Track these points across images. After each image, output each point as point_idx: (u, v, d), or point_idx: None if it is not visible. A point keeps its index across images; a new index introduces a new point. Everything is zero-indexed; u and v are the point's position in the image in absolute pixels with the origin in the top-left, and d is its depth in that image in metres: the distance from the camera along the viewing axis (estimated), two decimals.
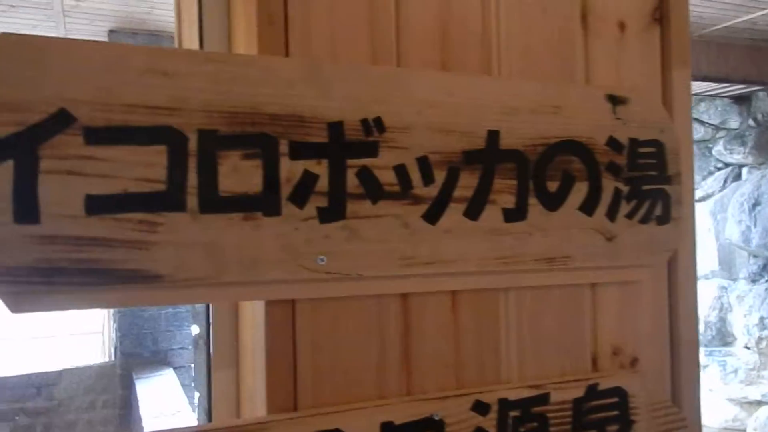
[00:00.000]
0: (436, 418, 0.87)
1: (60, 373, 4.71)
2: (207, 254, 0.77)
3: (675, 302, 1.06)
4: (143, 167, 0.75)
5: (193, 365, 4.49)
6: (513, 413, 0.91)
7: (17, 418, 4.55)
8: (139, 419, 3.70)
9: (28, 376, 4.66)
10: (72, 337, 4.88)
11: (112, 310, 4.67)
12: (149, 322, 4.55)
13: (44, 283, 0.72)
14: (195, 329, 1.41)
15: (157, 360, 4.56)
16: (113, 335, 4.69)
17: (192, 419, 3.50)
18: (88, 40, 0.76)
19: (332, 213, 0.82)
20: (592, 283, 1.00)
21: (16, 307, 0.72)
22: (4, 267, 0.70)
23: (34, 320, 4.91)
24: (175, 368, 4.51)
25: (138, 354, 4.53)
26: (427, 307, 0.91)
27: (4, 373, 4.65)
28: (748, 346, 5.14)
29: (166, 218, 0.75)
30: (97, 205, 0.73)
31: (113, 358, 4.76)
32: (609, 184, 0.97)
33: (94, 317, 4.85)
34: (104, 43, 0.75)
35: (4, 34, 0.70)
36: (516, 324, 0.96)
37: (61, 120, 0.72)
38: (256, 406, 0.87)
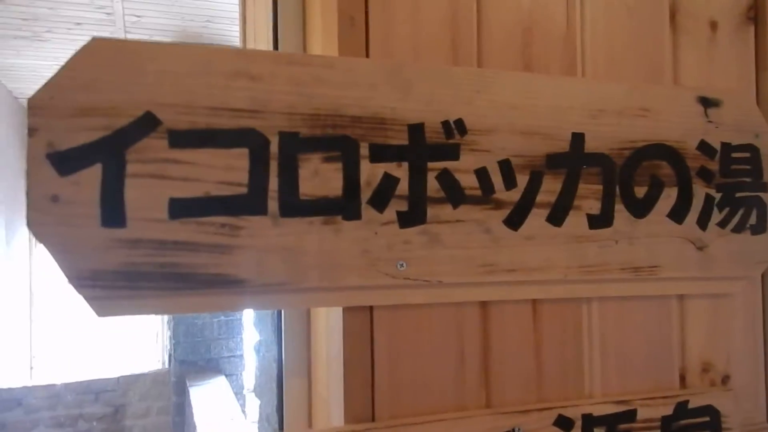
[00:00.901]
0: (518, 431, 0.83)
1: (117, 380, 4.83)
2: (287, 259, 0.76)
3: None
4: (225, 170, 0.74)
5: (245, 372, 4.53)
6: (597, 430, 0.86)
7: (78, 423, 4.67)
8: (194, 426, 3.74)
9: (87, 382, 4.78)
10: (127, 345, 5.00)
11: (166, 318, 4.76)
12: (202, 330, 4.62)
13: (129, 287, 0.71)
14: (255, 336, 1.41)
15: (210, 367, 4.62)
16: (167, 343, 4.78)
17: (247, 426, 3.52)
18: (176, 44, 0.76)
19: (412, 217, 0.80)
20: (680, 295, 0.95)
21: (101, 311, 0.72)
22: (91, 271, 0.70)
23: (91, 327, 5.05)
24: (226, 375, 4.56)
25: (191, 361, 4.60)
26: (508, 316, 0.87)
27: (64, 380, 4.79)
28: None
29: (247, 222, 0.75)
30: (180, 209, 0.73)
31: (167, 366, 4.85)
32: (700, 191, 0.92)
33: (149, 324, 4.96)
34: (192, 46, 0.76)
35: (97, 38, 0.71)
36: (600, 336, 0.91)
37: (148, 123, 0.72)
38: (331, 415, 0.86)
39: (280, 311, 1.02)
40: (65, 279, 0.71)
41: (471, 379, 0.85)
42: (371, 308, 0.82)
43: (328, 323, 0.88)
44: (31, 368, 5.37)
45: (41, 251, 5.02)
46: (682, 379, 0.95)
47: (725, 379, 0.96)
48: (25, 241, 4.90)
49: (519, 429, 0.83)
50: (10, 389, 4.63)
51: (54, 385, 4.77)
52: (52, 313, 5.08)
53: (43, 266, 5.01)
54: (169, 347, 4.77)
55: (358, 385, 0.81)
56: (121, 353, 4.96)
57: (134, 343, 4.97)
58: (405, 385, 0.82)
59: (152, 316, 4.92)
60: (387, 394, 0.82)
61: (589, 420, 0.86)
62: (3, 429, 4.57)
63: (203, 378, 4.48)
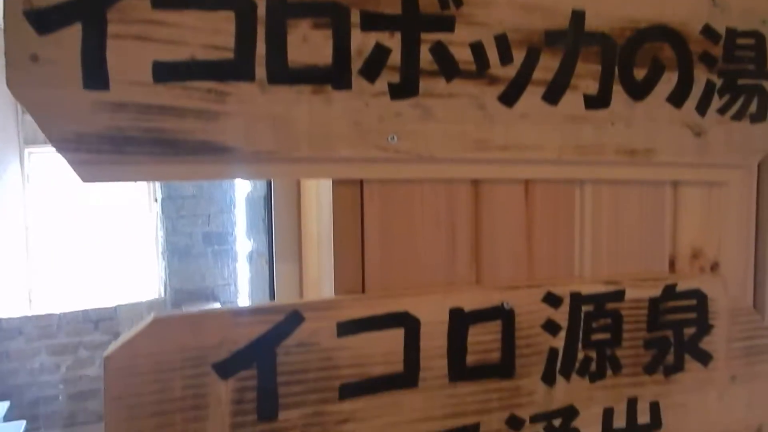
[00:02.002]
0: (507, 307, 0.83)
1: (115, 309, 4.89)
2: (276, 127, 0.74)
3: (763, 207, 0.99)
4: (211, 34, 0.72)
5: (239, 299, 4.59)
6: (586, 308, 0.87)
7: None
8: None
9: (86, 311, 4.84)
10: (122, 275, 5.04)
11: (161, 247, 4.79)
12: (197, 259, 4.65)
13: (114, 151, 0.70)
14: (249, 245, 1.41)
15: (205, 296, 4.67)
16: (162, 273, 4.83)
17: None
18: None
19: (404, 89, 0.78)
20: (675, 182, 0.94)
21: (86, 176, 0.70)
22: (75, 134, 0.68)
23: (87, 259, 5.08)
24: (221, 303, 4.62)
25: (186, 290, 4.66)
26: (500, 196, 0.87)
27: (63, 310, 4.84)
28: None
29: (234, 88, 0.73)
30: (164, 72, 0.70)
31: (163, 295, 4.91)
32: (701, 76, 0.90)
33: (144, 254, 4.99)
34: None
35: None
36: (591, 220, 0.91)
37: None
38: (322, 290, 0.86)
39: (270, 202, 1.01)
40: (49, 141, 0.70)
41: (461, 257, 0.85)
42: (361, 183, 0.81)
43: (319, 200, 0.87)
44: (30, 301, 5.43)
45: (35, 185, 5.00)
46: (672, 265, 0.95)
47: (714, 266, 0.97)
48: (17, 176, 4.87)
49: (507, 304, 0.83)
50: (9, 319, 4.69)
51: (53, 315, 4.84)
52: (48, 246, 5.10)
53: (36, 200, 4.99)
54: (164, 277, 4.82)
55: (349, 260, 0.81)
56: (117, 283, 5.01)
57: (129, 273, 5.02)
58: (395, 261, 0.82)
59: (147, 244, 4.95)
60: (377, 269, 0.82)
61: (577, 298, 0.87)
62: (5, 357, 4.65)
63: (199, 306, 4.54)
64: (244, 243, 4.11)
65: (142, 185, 5.13)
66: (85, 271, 5.07)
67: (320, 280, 0.88)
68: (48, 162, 4.97)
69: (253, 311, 0.76)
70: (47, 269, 5.17)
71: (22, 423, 3.83)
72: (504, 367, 0.84)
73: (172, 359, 0.71)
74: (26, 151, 4.95)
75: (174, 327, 0.72)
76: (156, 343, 0.71)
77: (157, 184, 4.82)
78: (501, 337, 0.84)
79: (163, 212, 4.80)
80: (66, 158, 0.69)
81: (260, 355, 0.74)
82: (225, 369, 0.73)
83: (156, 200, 4.91)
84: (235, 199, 4.62)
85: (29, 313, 4.87)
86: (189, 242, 4.73)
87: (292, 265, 0.97)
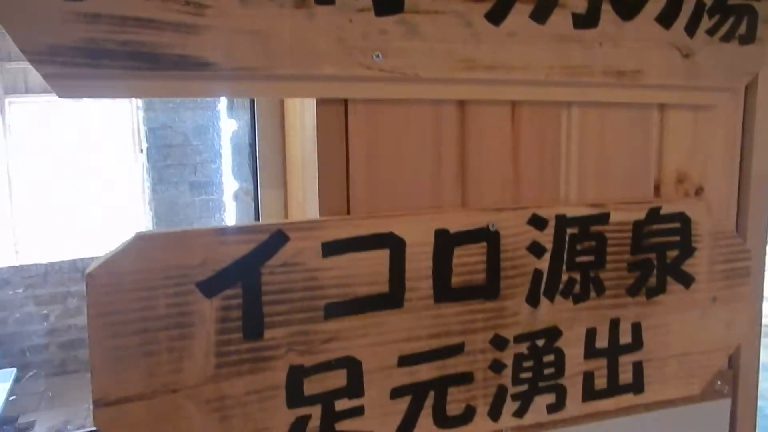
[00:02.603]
0: (492, 228, 0.84)
1: None
2: (258, 43, 0.72)
3: (749, 131, 0.99)
4: None
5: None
6: (570, 230, 0.88)
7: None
8: None
9: (73, 261, 4.82)
10: (110, 224, 5.02)
11: (147, 197, 4.75)
12: (185, 209, 4.63)
13: (90, 65, 0.68)
14: (235, 184, 1.40)
15: None
16: (150, 223, 4.80)
17: None
18: None
19: (389, 5, 0.76)
20: (661, 105, 0.94)
21: (62, 91, 0.68)
22: (48, 46, 0.66)
23: (73, 208, 5.04)
24: None
25: None
26: (487, 118, 0.85)
27: (50, 259, 4.82)
28: None
29: (214, 0, 0.70)
30: None
31: None
32: None
33: (131, 203, 4.96)
34: None
35: None
36: (578, 143, 0.90)
37: None
38: (307, 214, 0.86)
39: (254, 127, 1.00)
40: (23, 54, 0.67)
41: (447, 180, 0.85)
42: (346, 104, 0.80)
43: (303, 123, 0.86)
44: (17, 252, 5.40)
45: (16, 136, 4.91)
46: (657, 189, 0.95)
47: (699, 191, 0.97)
48: None
49: (493, 225, 0.83)
50: None
51: (41, 265, 4.82)
52: (34, 197, 5.05)
53: (19, 151, 4.91)
54: (151, 227, 4.79)
55: (333, 182, 0.80)
56: (104, 234, 4.99)
57: (116, 223, 4.99)
58: (381, 184, 0.82)
59: (134, 194, 4.91)
60: (363, 191, 0.81)
61: (562, 220, 0.87)
62: None
63: None
64: (230, 187, 4.07)
65: (127, 135, 5.06)
66: (71, 222, 5.05)
67: (305, 203, 0.88)
68: (29, 112, 4.88)
69: (238, 230, 0.76)
70: (33, 220, 5.13)
71: (12, 371, 3.86)
72: (489, 289, 0.85)
73: (155, 277, 0.71)
74: (6, 101, 4.84)
75: (157, 244, 0.71)
76: (139, 261, 0.70)
77: (142, 135, 4.75)
78: (486, 258, 0.84)
79: (149, 162, 4.74)
80: (40, 72, 0.67)
81: (244, 274, 0.74)
82: (209, 287, 0.73)
83: (141, 150, 4.84)
84: (221, 147, 4.57)
85: (16, 263, 4.85)
86: (176, 192, 4.70)
87: (277, 191, 0.96)
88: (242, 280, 0.74)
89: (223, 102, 1.47)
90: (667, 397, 0.96)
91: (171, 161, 4.74)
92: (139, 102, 4.79)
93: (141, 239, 0.70)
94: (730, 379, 1.03)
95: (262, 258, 0.75)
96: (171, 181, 4.73)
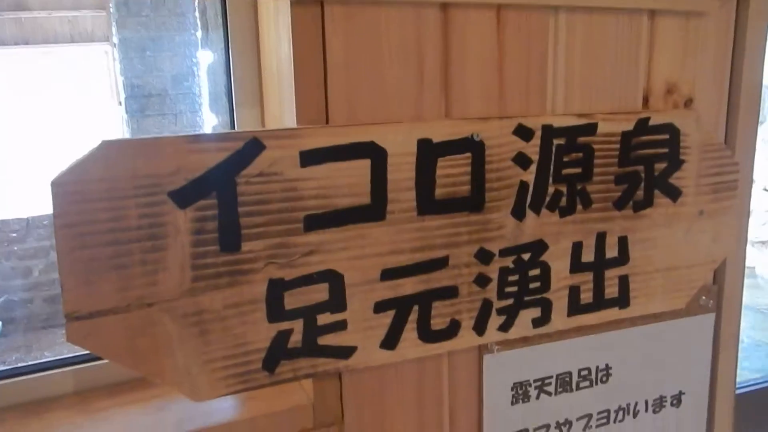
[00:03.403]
0: (476, 138, 0.81)
1: None
2: None
3: (741, 42, 0.96)
4: None
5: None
6: (557, 141, 0.85)
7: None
8: None
9: None
10: None
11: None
12: None
13: None
14: (214, 119, 1.35)
15: None
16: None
17: None
18: None
19: None
20: (652, 11, 0.90)
21: None
22: None
23: (52, 160, 4.94)
24: None
25: None
26: (470, 23, 0.81)
27: (32, 214, 4.75)
28: None
29: None
30: None
31: None
32: None
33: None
34: None
35: None
36: (565, 51, 0.87)
37: None
38: (285, 124, 0.82)
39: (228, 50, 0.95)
40: None
41: (430, 88, 0.81)
42: (322, 6, 0.75)
43: (278, 32, 0.81)
44: None
45: None
46: (646, 100, 0.92)
47: (688, 102, 0.95)
48: None
49: (477, 135, 0.81)
50: None
51: (23, 219, 4.75)
52: (11, 152, 4.94)
53: None
54: None
55: (311, 89, 0.76)
56: None
57: None
58: (360, 91, 0.78)
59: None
60: (341, 99, 0.77)
61: (549, 131, 0.84)
62: None
63: None
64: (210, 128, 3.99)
65: (105, 88, 4.91)
66: (51, 176, 4.95)
67: (282, 116, 0.84)
68: (1, 65, 4.71)
69: (211, 138, 0.72)
70: (11, 174, 5.03)
71: None
72: (473, 201, 0.82)
73: (124, 186, 0.67)
74: None
75: (125, 152, 0.67)
76: (107, 168, 0.66)
77: (120, 86, 4.62)
78: (470, 170, 0.82)
79: (127, 113, 4.63)
80: None
81: (219, 184, 0.71)
82: (182, 198, 0.70)
83: (120, 103, 4.72)
84: (200, 96, 4.47)
85: None
86: None
87: (252, 110, 0.92)
88: (217, 190, 0.71)
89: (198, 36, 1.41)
90: (652, 312, 0.96)
91: (150, 112, 4.63)
92: (116, 53, 4.64)
93: (108, 145, 0.67)
94: (715, 294, 1.03)
95: (237, 167, 0.71)
96: (151, 132, 4.63)
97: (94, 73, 4.94)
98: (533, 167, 0.85)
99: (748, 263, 1.06)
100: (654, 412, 1.05)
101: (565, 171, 0.87)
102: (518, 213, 0.85)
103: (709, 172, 0.95)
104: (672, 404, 1.06)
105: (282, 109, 0.84)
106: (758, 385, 1.49)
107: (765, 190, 4.86)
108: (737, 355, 1.08)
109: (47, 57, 4.79)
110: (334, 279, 0.78)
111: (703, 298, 1.01)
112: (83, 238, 0.67)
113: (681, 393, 1.06)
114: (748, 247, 1.04)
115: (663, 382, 1.04)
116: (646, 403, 1.04)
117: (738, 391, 1.20)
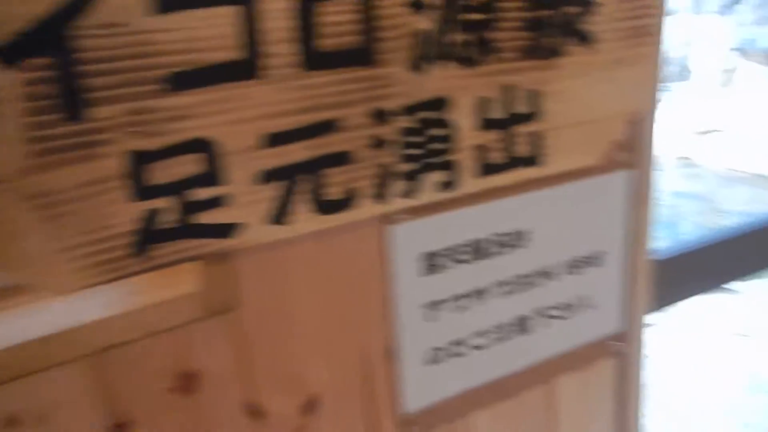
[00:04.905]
0: None
1: None
2: None
3: None
4: None
5: None
6: None
7: None
8: None
9: None
10: None
11: None
12: None
13: None
14: None
15: None
16: None
17: None
18: None
19: None
20: None
21: None
22: None
23: None
24: None
25: None
26: None
27: None
28: None
29: None
30: None
31: None
32: None
33: None
34: None
35: None
36: None
37: None
38: None
39: None
40: None
41: None
42: None
43: None
44: None
45: None
46: None
47: None
48: None
49: None
50: None
51: None
52: None
53: None
54: None
55: None
56: None
57: None
58: None
59: None
60: None
61: None
62: None
63: None
64: None
65: None
66: None
67: None
68: None
69: None
70: None
71: None
72: (363, 53, 0.73)
73: None
74: None
75: None
76: None
77: None
78: (359, 17, 0.72)
79: None
80: None
81: (51, 38, 0.59)
82: (7, 56, 0.58)
83: None
84: None
85: None
86: None
87: None
88: (50, 45, 0.60)
89: None
90: (565, 169, 0.91)
91: None
92: None
93: None
94: (630, 148, 0.98)
95: (70, 16, 0.60)
96: None
97: None
98: (431, 13, 0.75)
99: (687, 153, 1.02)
100: (573, 273, 1.03)
101: (468, 17, 0.77)
102: (416, 66, 0.76)
103: (626, 15, 0.87)
104: (591, 264, 1.04)
105: None
106: (684, 250, 1.50)
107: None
108: (652, 211, 1.06)
109: None
110: (208, 148, 0.69)
111: (617, 152, 0.96)
112: None
113: (599, 252, 1.04)
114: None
115: (581, 242, 1.02)
116: (566, 264, 1.02)
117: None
